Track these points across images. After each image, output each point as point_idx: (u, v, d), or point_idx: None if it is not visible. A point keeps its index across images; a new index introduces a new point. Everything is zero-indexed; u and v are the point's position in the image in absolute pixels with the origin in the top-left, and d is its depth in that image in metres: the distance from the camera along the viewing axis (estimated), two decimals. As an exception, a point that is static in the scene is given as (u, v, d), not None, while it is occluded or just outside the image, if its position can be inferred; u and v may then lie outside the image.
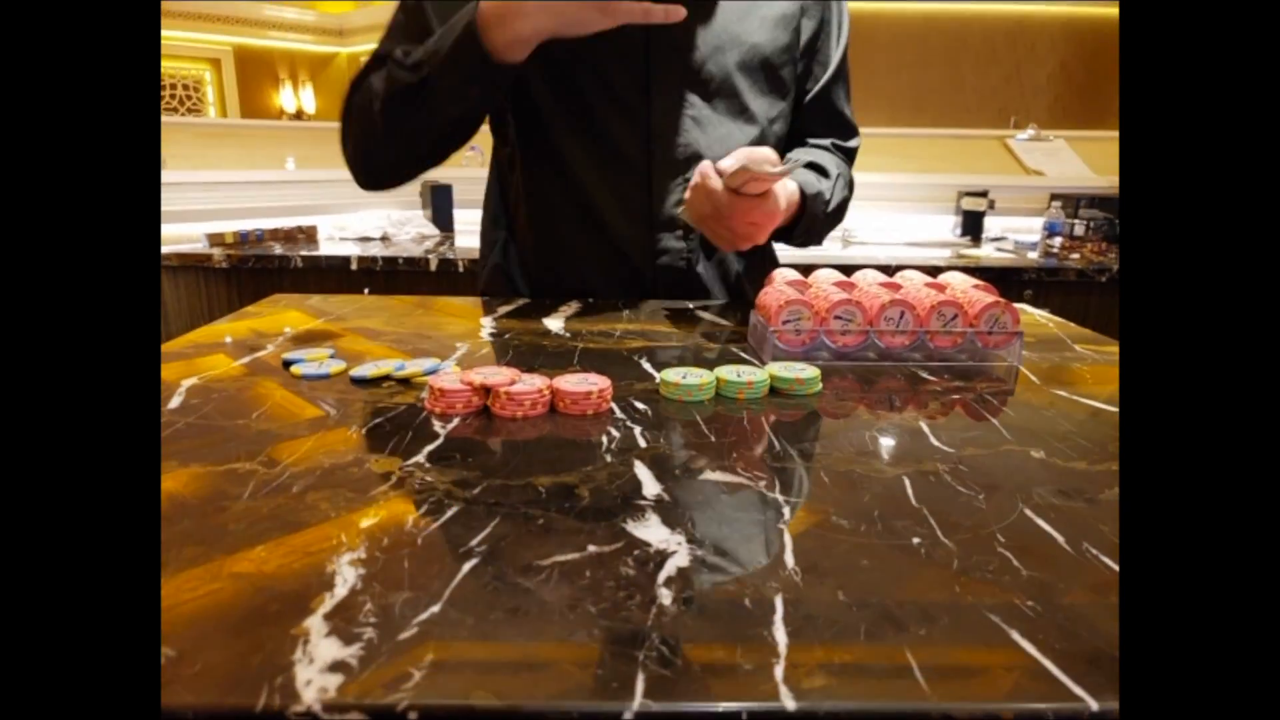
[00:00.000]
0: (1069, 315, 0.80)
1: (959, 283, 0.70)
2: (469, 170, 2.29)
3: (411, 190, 2.51)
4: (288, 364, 0.59)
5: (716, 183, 0.69)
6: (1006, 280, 2.04)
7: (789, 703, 0.24)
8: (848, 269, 0.74)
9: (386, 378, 0.56)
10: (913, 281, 0.70)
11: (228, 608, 0.29)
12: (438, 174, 1.87)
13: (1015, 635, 0.28)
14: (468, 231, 2.36)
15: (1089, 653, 0.27)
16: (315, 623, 0.28)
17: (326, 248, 2.09)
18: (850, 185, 0.93)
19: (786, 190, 0.77)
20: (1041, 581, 0.32)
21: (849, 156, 0.95)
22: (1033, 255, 2.44)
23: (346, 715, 0.24)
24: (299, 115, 5.69)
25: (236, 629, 0.28)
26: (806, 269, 0.74)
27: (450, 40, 0.70)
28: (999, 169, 2.73)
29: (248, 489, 0.38)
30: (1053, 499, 0.39)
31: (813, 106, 0.91)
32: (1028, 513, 0.38)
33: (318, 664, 0.26)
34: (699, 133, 0.82)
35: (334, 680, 0.25)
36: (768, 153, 0.71)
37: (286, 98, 5.75)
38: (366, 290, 1.96)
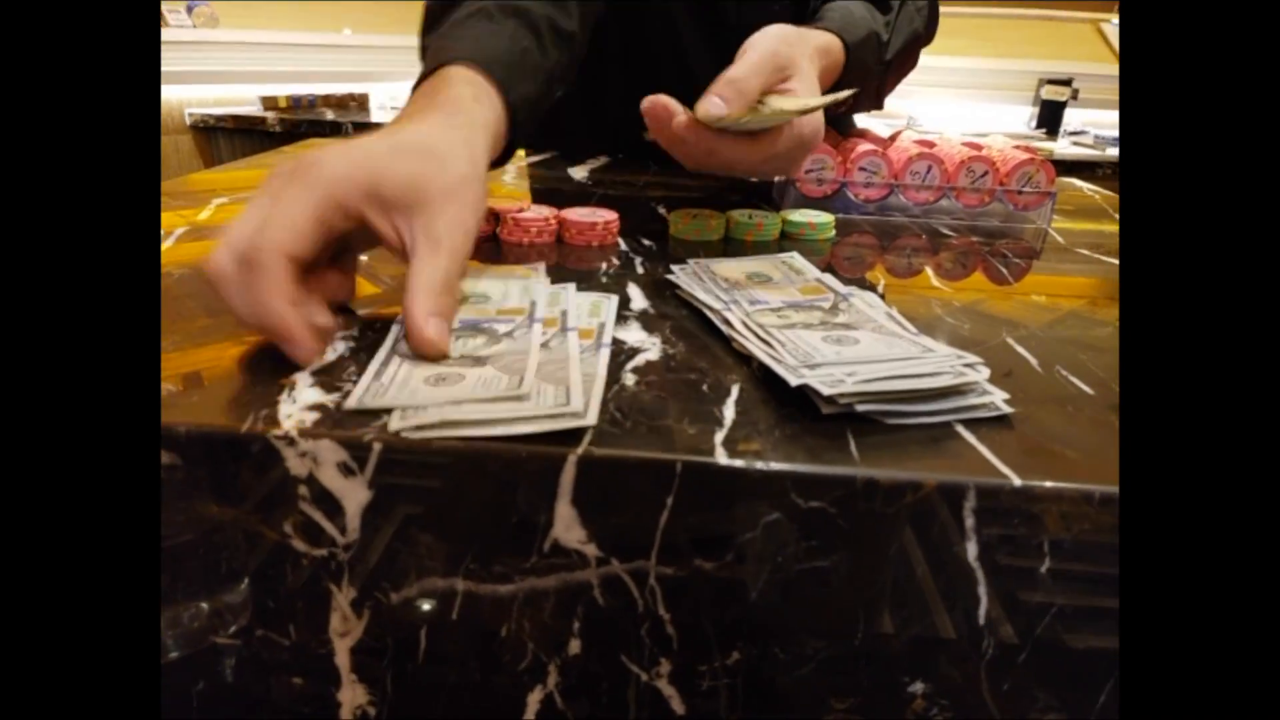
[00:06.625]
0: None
1: (999, 144, 0.66)
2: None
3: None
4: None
5: (690, 134, 0.42)
6: (1077, 176, 1.92)
7: (722, 459, 0.26)
8: None
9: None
10: (949, 141, 0.67)
11: (229, 363, 0.32)
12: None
13: (959, 428, 0.29)
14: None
15: (1028, 446, 0.28)
16: (303, 377, 0.30)
17: (378, 116, 2.09)
18: (931, 10, 0.68)
19: (822, 60, 0.51)
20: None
21: None
22: (1113, 152, 2.28)
23: (319, 442, 0.26)
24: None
25: (230, 378, 0.30)
26: None
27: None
28: (1089, 57, 2.52)
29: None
30: (1039, 332, 0.39)
31: None
32: (1009, 340, 0.38)
33: (299, 404, 0.28)
34: None
35: (312, 416, 0.27)
36: (772, 57, 0.43)
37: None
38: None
